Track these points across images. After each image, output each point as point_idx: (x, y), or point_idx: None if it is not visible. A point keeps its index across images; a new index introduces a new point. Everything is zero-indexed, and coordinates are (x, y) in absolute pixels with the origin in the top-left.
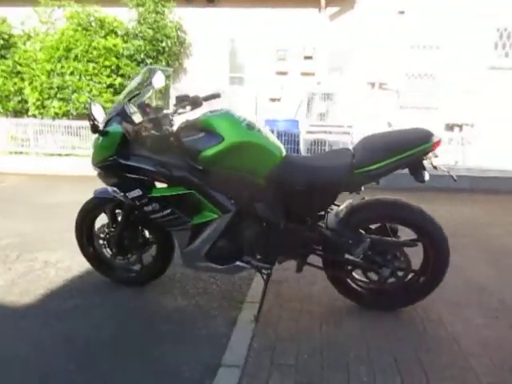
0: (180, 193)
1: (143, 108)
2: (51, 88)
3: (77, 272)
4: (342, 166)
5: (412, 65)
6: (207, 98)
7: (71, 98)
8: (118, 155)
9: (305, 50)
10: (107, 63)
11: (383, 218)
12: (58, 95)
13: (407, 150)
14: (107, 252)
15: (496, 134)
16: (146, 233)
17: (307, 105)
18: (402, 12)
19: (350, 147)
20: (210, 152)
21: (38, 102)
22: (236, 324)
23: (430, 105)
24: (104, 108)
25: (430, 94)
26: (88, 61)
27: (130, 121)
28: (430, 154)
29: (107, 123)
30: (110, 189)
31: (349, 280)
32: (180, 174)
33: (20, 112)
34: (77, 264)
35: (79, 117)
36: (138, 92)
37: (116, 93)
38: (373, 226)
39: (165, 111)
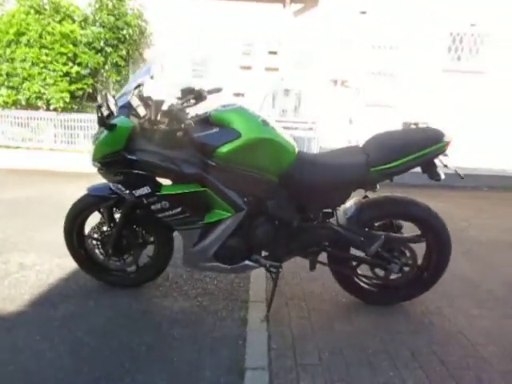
0: (192, 190)
1: (145, 101)
2: None
3: (60, 275)
4: (359, 164)
5: (373, 64)
6: (211, 92)
7: (22, 86)
8: (126, 150)
9: (269, 45)
10: (63, 50)
11: (392, 215)
12: (7, 83)
13: (422, 149)
14: (100, 253)
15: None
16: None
17: (272, 100)
18: (363, 12)
19: (315, 143)
20: (226, 148)
21: None
22: (247, 324)
23: (389, 103)
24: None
25: (389, 93)
26: (41, 47)
27: (135, 114)
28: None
29: (109, 116)
30: (112, 186)
31: (354, 277)
32: (193, 170)
33: None
34: (58, 267)
35: (30, 106)
36: (137, 84)
37: (72, 82)
38: (377, 223)
39: (170, 104)
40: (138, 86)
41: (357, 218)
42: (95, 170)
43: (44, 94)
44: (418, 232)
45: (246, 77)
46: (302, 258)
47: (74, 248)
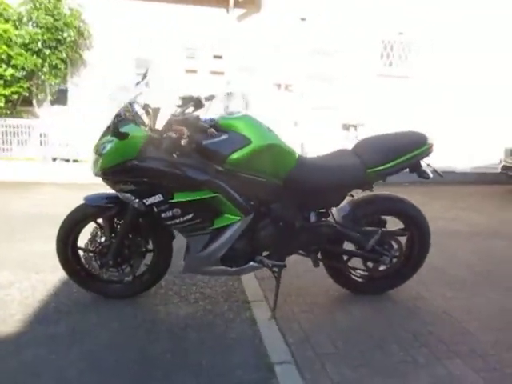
0: (205, 197)
1: (146, 109)
2: None
3: (46, 291)
4: (357, 166)
5: (313, 68)
6: (207, 99)
7: None
8: (138, 159)
9: (214, 49)
10: None
11: (382, 211)
12: None
13: (412, 151)
14: (97, 265)
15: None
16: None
17: (218, 104)
18: (303, 19)
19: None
20: (237, 154)
21: None
22: (257, 323)
23: (329, 106)
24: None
25: (328, 97)
26: None
27: (141, 122)
28: None
29: (117, 125)
30: (120, 195)
31: (346, 270)
32: (205, 177)
33: None
34: (40, 282)
35: None
36: (139, 92)
37: (6, 85)
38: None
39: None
40: (139, 93)
41: (352, 216)
42: (34, 179)
43: None
44: (401, 226)
45: (192, 80)
46: (302, 256)
47: (68, 260)
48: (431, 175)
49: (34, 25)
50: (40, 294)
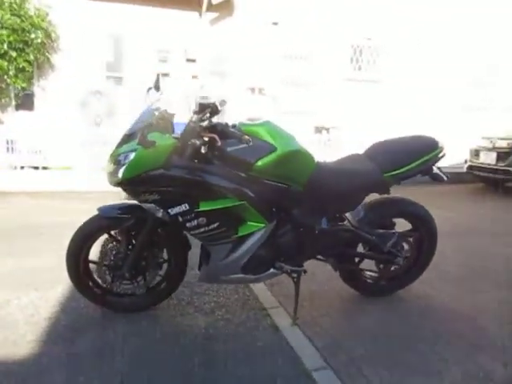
0: (232, 205)
1: (165, 115)
2: None
3: (51, 308)
4: (374, 170)
5: (286, 73)
6: (221, 105)
7: None
8: (165, 167)
9: (187, 52)
10: None
11: (394, 214)
12: None
13: (426, 155)
14: (111, 278)
15: (353, 135)
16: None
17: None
18: (275, 23)
19: None
20: (263, 161)
21: None
22: (280, 330)
23: (301, 110)
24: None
25: (301, 100)
26: None
27: (167, 129)
28: None
29: (144, 133)
30: (144, 206)
31: (358, 272)
32: (233, 185)
33: None
34: (41, 299)
35: None
36: (158, 98)
37: None
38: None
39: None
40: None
41: (367, 219)
42: (1, 188)
43: None
44: (410, 227)
45: (165, 84)
46: (321, 260)
47: (80, 275)
48: (445, 178)
49: None
50: (45, 312)
